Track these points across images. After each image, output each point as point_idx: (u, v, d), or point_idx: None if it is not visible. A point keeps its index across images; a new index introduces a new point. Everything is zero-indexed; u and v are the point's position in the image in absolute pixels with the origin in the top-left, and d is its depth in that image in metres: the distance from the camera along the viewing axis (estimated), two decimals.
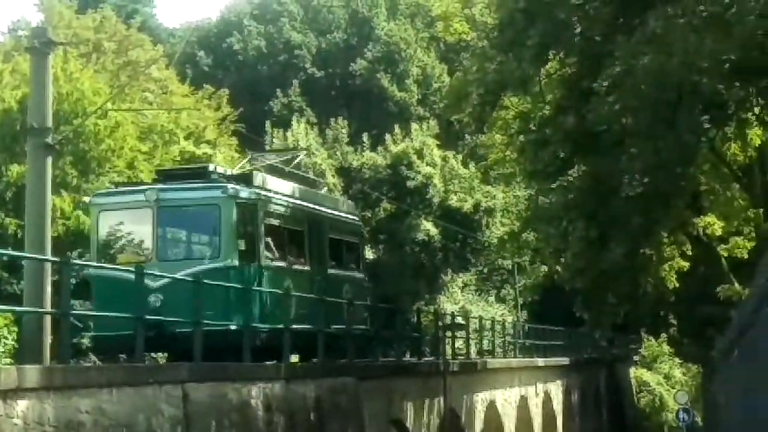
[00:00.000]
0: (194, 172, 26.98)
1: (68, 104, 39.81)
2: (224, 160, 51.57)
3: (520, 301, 71.60)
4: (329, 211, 30.51)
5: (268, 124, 69.88)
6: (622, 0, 30.47)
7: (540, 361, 52.35)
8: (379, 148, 68.69)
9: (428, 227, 61.11)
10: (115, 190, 27.46)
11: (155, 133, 47.30)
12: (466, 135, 75.15)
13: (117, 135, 41.22)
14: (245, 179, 26.32)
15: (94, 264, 25.06)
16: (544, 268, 54.64)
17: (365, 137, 70.21)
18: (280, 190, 27.82)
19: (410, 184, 64.78)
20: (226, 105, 61.94)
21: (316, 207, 29.53)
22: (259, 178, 26.81)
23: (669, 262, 38.28)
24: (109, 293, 22.83)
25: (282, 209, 27.39)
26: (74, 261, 23.08)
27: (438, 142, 70.24)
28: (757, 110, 31.51)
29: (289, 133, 67.11)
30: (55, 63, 33.22)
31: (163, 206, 24.61)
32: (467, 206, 66.06)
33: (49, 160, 24.10)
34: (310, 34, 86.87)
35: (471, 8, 39.89)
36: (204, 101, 59.26)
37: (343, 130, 71.60)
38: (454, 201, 65.83)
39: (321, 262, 29.01)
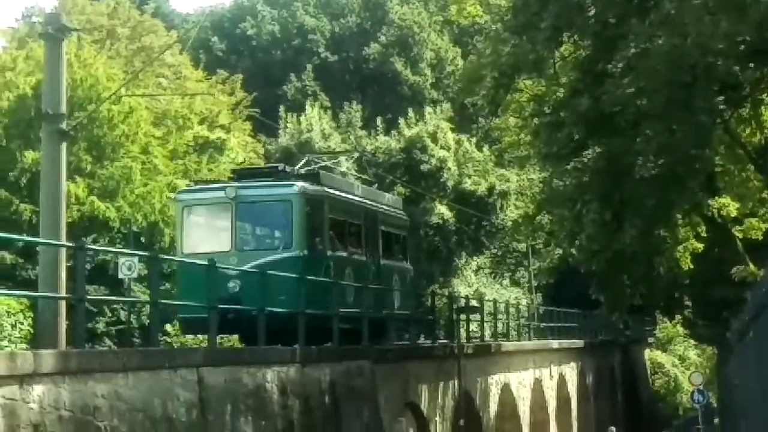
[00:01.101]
0: (266, 171, 30.04)
1: (82, 90, 39.90)
2: (238, 144, 51.67)
3: (535, 283, 71.56)
4: (380, 206, 33.19)
5: (281, 108, 69.90)
6: None
7: (554, 344, 52.38)
8: (393, 132, 68.67)
9: (442, 210, 61.13)
10: (197, 187, 30.10)
11: (169, 118, 47.41)
12: (480, 118, 74.97)
13: (131, 120, 41.31)
14: (313, 178, 28.91)
15: (174, 258, 28.06)
16: (559, 250, 54.53)
17: (379, 121, 70.18)
18: (341, 187, 30.67)
19: (424, 167, 64.73)
20: (239, 90, 61.99)
21: (370, 202, 32.24)
22: (324, 176, 29.68)
23: (683, 244, 38.17)
24: (193, 280, 24.33)
25: (343, 205, 29.92)
26: (89, 246, 23.39)
27: (452, 126, 70.19)
28: None
29: (302, 118, 67.13)
30: (69, 49, 33.29)
31: (240, 202, 27.06)
32: (481, 189, 66.03)
33: (64, 146, 24.19)
34: (324, 18, 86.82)
35: None
36: (218, 86, 59.33)
37: (357, 114, 71.60)
38: (468, 184, 65.80)
39: (374, 253, 31.65)
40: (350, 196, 30.76)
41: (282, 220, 27.51)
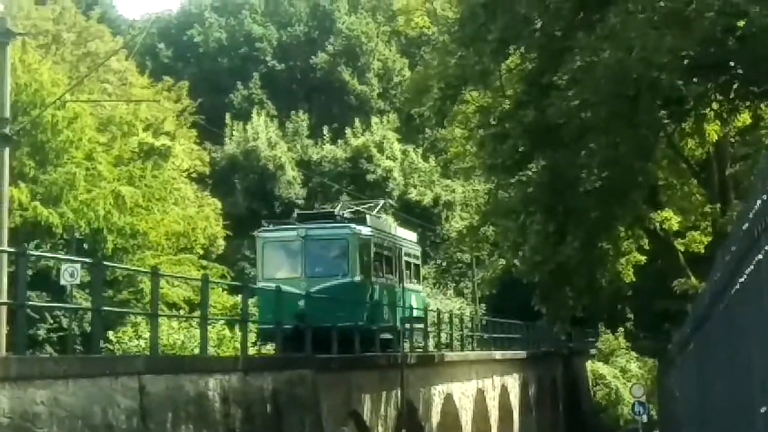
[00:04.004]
0: (324, 214, 38.51)
1: (26, 95, 39.61)
2: (183, 151, 51.48)
3: (479, 294, 71.77)
4: (404, 240, 41.15)
5: (228, 116, 69.78)
6: None
7: (497, 354, 52.52)
8: (339, 142, 68.69)
9: (388, 220, 61.17)
10: (274, 227, 36.41)
11: (114, 124, 47.14)
12: (426, 129, 75.19)
13: (75, 126, 41.05)
14: (361, 220, 36.80)
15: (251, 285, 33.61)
16: (503, 261, 54.77)
17: (325, 130, 70.20)
18: (380, 227, 38.57)
19: (370, 177, 64.88)
20: (185, 97, 61.72)
21: (398, 237, 40.26)
22: (370, 219, 37.43)
23: (626, 257, 38.41)
24: (270, 300, 30.59)
25: (382, 241, 37.62)
26: (31, 252, 23.24)
27: (398, 136, 70.39)
28: (715, 106, 31.64)
29: (249, 126, 67.03)
30: (14, 54, 33.05)
31: (309, 239, 34.45)
32: (427, 200, 66.23)
33: (7, 151, 24.03)
34: (271, 26, 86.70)
35: (432, 2, 39.91)
36: (163, 93, 59.04)
37: (303, 123, 71.60)
38: (413, 194, 65.99)
39: (401, 278, 39.63)
40: (386, 233, 38.76)
41: (340, 254, 35.08)
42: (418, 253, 43.90)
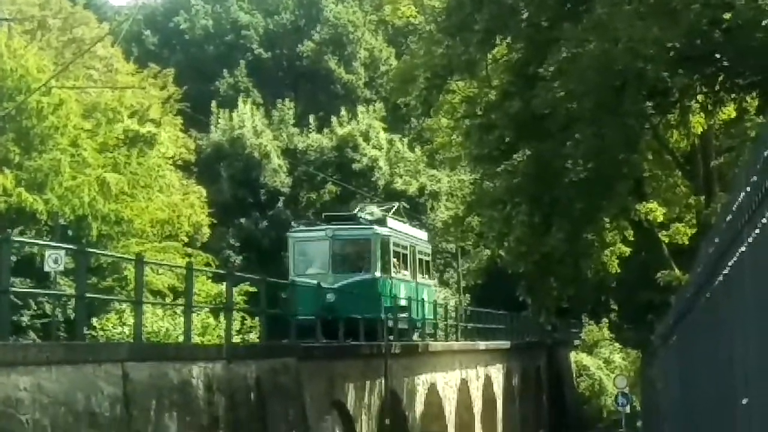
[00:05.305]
0: (348, 216, 41.22)
1: (12, 81, 39.47)
2: (168, 139, 51.38)
3: (463, 284, 71.84)
4: (417, 238, 45.03)
5: (213, 104, 69.62)
6: None
7: (481, 345, 52.59)
8: (325, 130, 68.59)
9: (373, 210, 61.10)
10: (304, 228, 40.58)
11: (99, 111, 46.95)
12: (412, 118, 75.24)
13: (60, 112, 40.90)
14: (381, 222, 40.69)
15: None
16: (488, 252, 54.81)
17: (311, 119, 70.10)
18: (397, 228, 42.15)
19: (356, 166, 64.84)
20: (171, 84, 61.50)
21: (412, 236, 44.17)
22: (389, 221, 41.41)
23: (611, 248, 38.48)
24: (304, 293, 33.79)
25: (399, 240, 41.43)
26: (14, 238, 23.16)
27: (384, 125, 70.32)
28: (700, 98, 31.72)
29: (234, 114, 66.90)
30: (0, 39, 33.00)
31: (336, 239, 38.38)
32: (412, 189, 66.23)
33: None
34: (258, 14, 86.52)
35: None
36: (149, 80, 58.83)
37: (290, 112, 71.50)
38: (399, 184, 65.97)
39: (414, 274, 43.34)
40: (403, 233, 42.64)
41: (364, 252, 39.03)
42: (429, 251, 47.80)
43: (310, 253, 39.02)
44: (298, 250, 39.19)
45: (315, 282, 34.94)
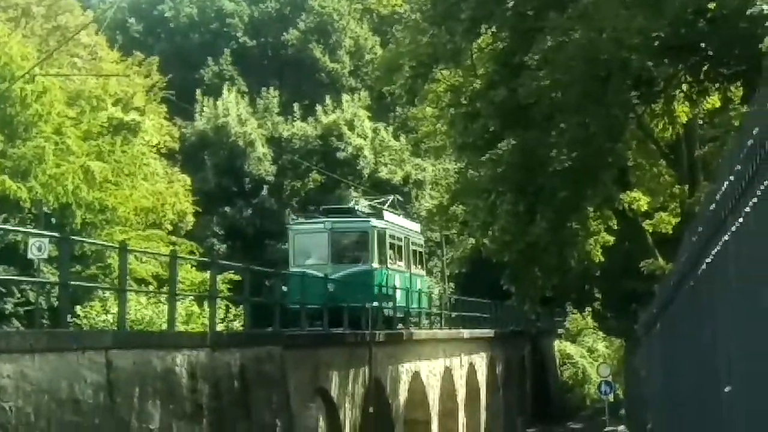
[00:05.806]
0: (345, 210, 43.28)
1: None
2: (153, 127, 51.27)
3: (447, 273, 71.91)
4: (411, 230, 46.43)
5: (198, 92, 69.47)
6: None
7: (465, 333, 52.67)
8: (310, 119, 68.51)
9: (358, 198, 61.12)
10: (304, 221, 42.41)
11: (83, 98, 46.78)
12: (397, 107, 75.21)
13: (44, 100, 40.75)
14: (378, 214, 42.65)
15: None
16: (472, 240, 54.85)
17: (296, 107, 70.01)
18: (392, 220, 43.72)
19: (340, 155, 64.78)
20: (155, 72, 61.32)
21: (406, 228, 45.57)
22: (385, 213, 43.16)
23: (595, 237, 38.54)
24: (299, 284, 34.21)
25: (395, 232, 42.94)
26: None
27: (369, 114, 70.27)
28: (685, 87, 31.76)
29: (219, 102, 66.77)
30: None
31: (334, 231, 39.87)
32: (397, 178, 66.21)
33: None
34: (243, 2, 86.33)
35: None
36: (133, 68, 58.65)
37: (274, 100, 71.39)
38: (384, 173, 65.95)
39: (408, 265, 44.90)
40: (398, 225, 44.13)
41: (361, 244, 40.50)
42: (422, 242, 49.68)
43: (309, 245, 40.25)
44: (297, 242, 40.56)
45: (321, 274, 36.48)
